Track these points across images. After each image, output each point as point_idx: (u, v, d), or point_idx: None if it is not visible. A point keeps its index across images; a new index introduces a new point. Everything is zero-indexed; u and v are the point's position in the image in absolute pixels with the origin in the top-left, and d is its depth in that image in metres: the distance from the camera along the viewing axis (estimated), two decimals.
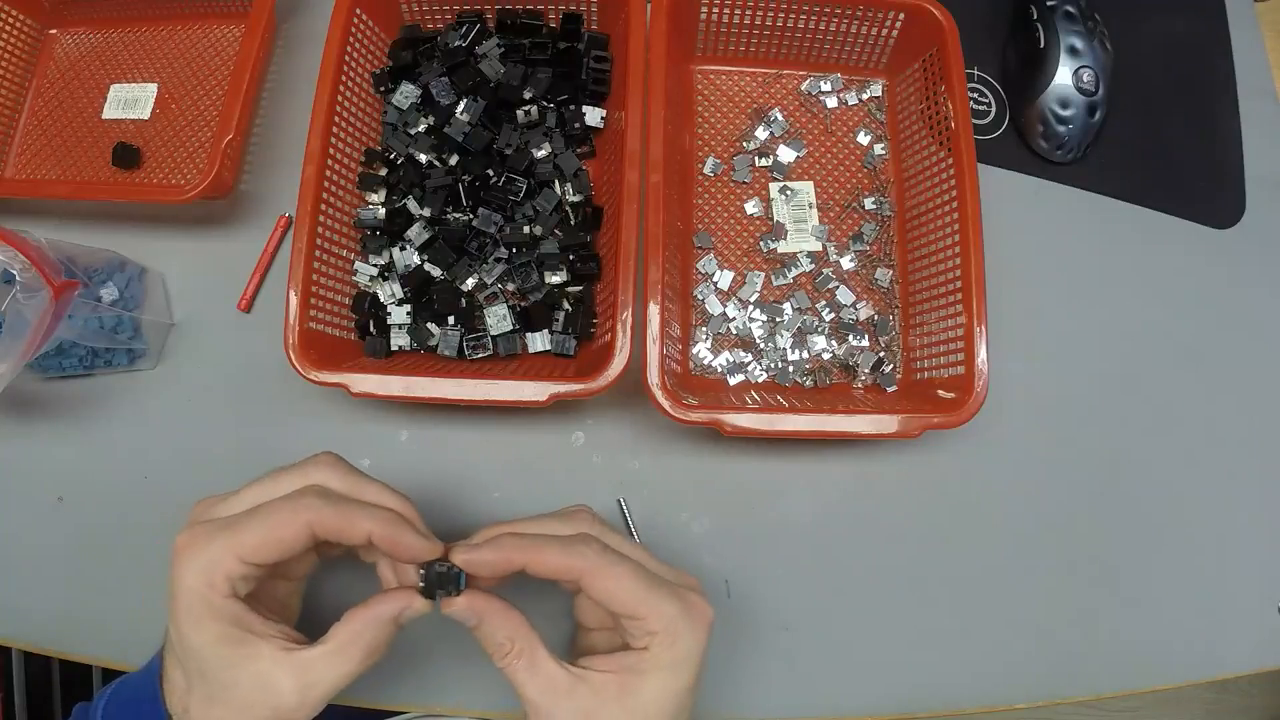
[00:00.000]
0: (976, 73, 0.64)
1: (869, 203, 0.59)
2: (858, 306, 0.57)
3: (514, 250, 0.55)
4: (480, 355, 0.54)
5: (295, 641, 0.38)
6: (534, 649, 0.38)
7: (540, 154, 0.56)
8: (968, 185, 0.52)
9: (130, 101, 0.62)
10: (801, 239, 0.58)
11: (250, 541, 0.36)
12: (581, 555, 0.38)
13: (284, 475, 0.39)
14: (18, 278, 0.46)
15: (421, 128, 0.57)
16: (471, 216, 0.55)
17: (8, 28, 0.62)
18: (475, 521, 0.54)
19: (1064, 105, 0.60)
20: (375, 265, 0.55)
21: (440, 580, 0.38)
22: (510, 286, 0.56)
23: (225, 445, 0.55)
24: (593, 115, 0.57)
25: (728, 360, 0.56)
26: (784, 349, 0.56)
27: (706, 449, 0.55)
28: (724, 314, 0.56)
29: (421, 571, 0.38)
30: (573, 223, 0.56)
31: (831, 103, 0.61)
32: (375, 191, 0.56)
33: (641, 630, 0.38)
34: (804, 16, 0.57)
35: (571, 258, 0.54)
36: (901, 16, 0.57)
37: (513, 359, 0.55)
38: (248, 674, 0.36)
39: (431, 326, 0.54)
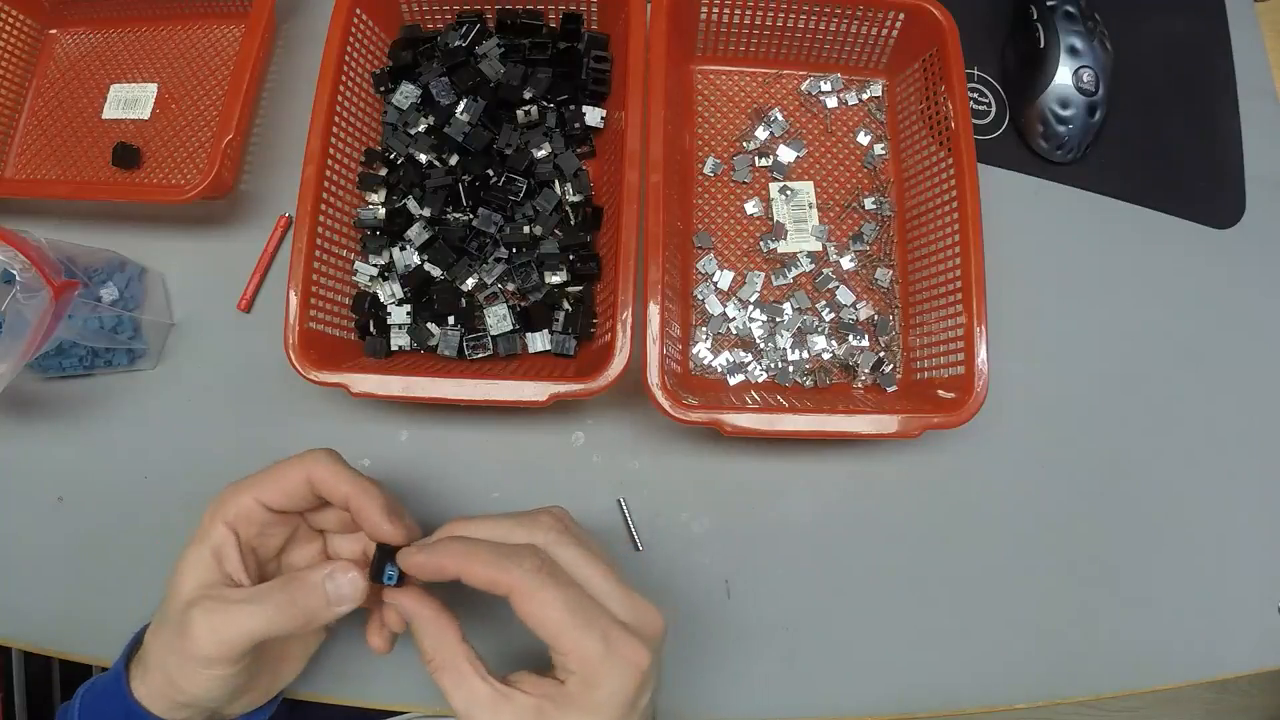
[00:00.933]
0: (976, 73, 0.64)
1: (869, 203, 0.59)
2: (858, 306, 0.57)
3: (514, 250, 0.55)
4: (480, 355, 0.54)
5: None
6: (458, 663, 0.38)
7: (540, 154, 0.56)
8: (968, 185, 0.52)
9: (130, 101, 0.62)
10: (801, 239, 0.58)
11: (266, 487, 0.40)
12: (508, 571, 0.37)
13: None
14: (18, 277, 0.46)
15: (421, 128, 0.57)
16: (471, 216, 0.55)
17: (8, 28, 0.62)
18: None
19: (1064, 105, 0.60)
20: (375, 265, 0.55)
21: (381, 564, 0.39)
22: (510, 286, 0.56)
23: (225, 445, 0.55)
24: (593, 115, 0.57)
25: (728, 360, 0.56)
26: (784, 349, 0.56)
27: (706, 449, 0.55)
28: (724, 314, 0.56)
29: (376, 553, 0.40)
30: (573, 223, 0.56)
31: (831, 103, 0.61)
32: (375, 191, 0.56)
33: (563, 664, 0.37)
34: (804, 16, 0.57)
35: (571, 258, 0.54)
36: (901, 16, 0.57)
37: (513, 359, 0.55)
38: (191, 615, 0.38)
39: (431, 326, 0.54)
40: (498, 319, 0.54)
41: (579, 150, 0.57)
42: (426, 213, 0.55)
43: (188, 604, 0.38)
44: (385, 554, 0.40)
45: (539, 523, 0.40)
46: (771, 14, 0.57)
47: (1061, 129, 0.60)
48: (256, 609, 0.38)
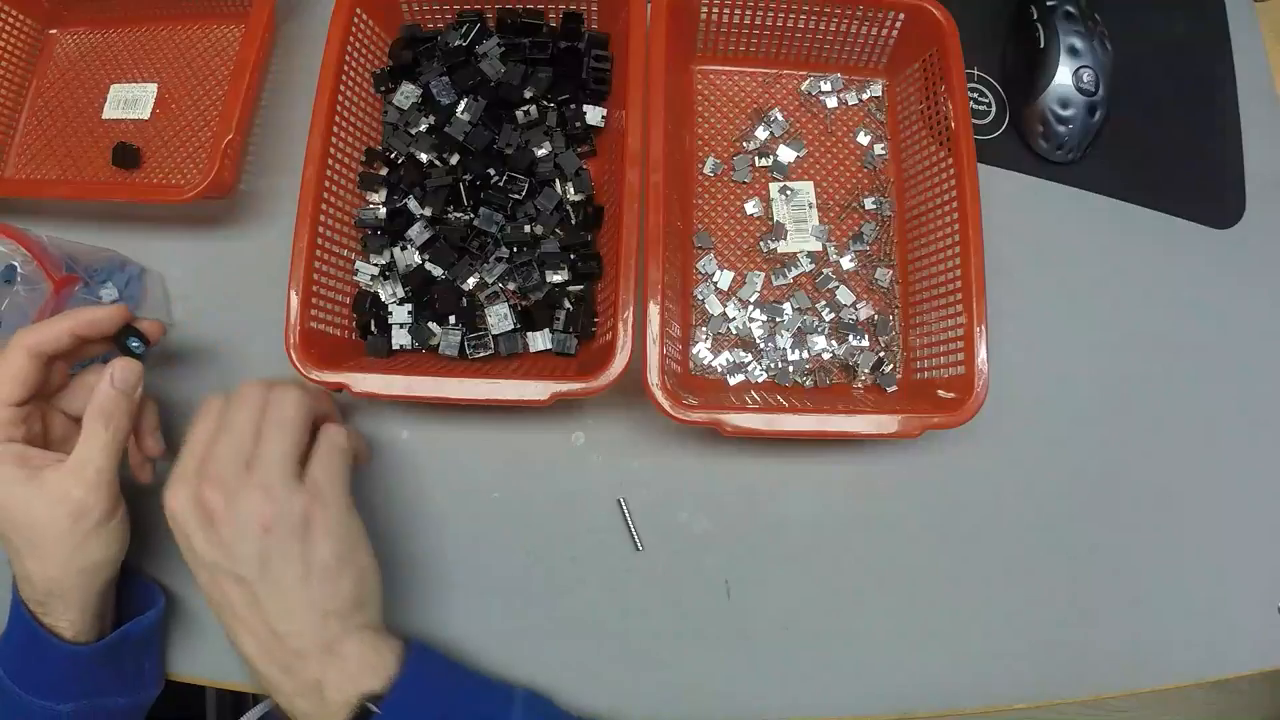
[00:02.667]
0: (976, 73, 0.65)
1: (869, 203, 0.59)
2: (858, 306, 0.57)
3: (515, 249, 0.55)
4: (481, 354, 0.54)
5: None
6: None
7: (541, 153, 0.56)
8: (968, 185, 0.52)
9: (130, 101, 0.62)
10: (801, 239, 0.58)
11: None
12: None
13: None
14: (19, 269, 0.46)
15: (422, 127, 0.57)
16: (472, 216, 0.55)
17: (8, 28, 0.62)
18: (475, 521, 0.54)
19: (1064, 105, 0.60)
20: (376, 265, 0.55)
21: (123, 340, 0.47)
22: (511, 286, 0.56)
23: None
24: (593, 114, 0.57)
25: (728, 360, 0.56)
26: (784, 349, 0.56)
27: (706, 449, 0.55)
28: (724, 314, 0.56)
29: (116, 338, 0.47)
30: (574, 222, 0.56)
31: (831, 103, 0.61)
32: (376, 191, 0.56)
33: None
34: (804, 16, 0.57)
35: (572, 257, 0.54)
36: (901, 16, 0.57)
37: (514, 358, 0.55)
38: (45, 498, 0.42)
39: (433, 326, 0.54)
40: (499, 318, 0.54)
41: (580, 149, 0.57)
42: (427, 212, 0.55)
43: (30, 517, 0.42)
44: (122, 333, 0.46)
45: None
46: (771, 14, 0.57)
47: (1061, 129, 0.60)
48: (95, 441, 0.43)
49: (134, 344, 0.47)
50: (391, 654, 0.42)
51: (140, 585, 0.50)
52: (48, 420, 0.47)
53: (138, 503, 0.47)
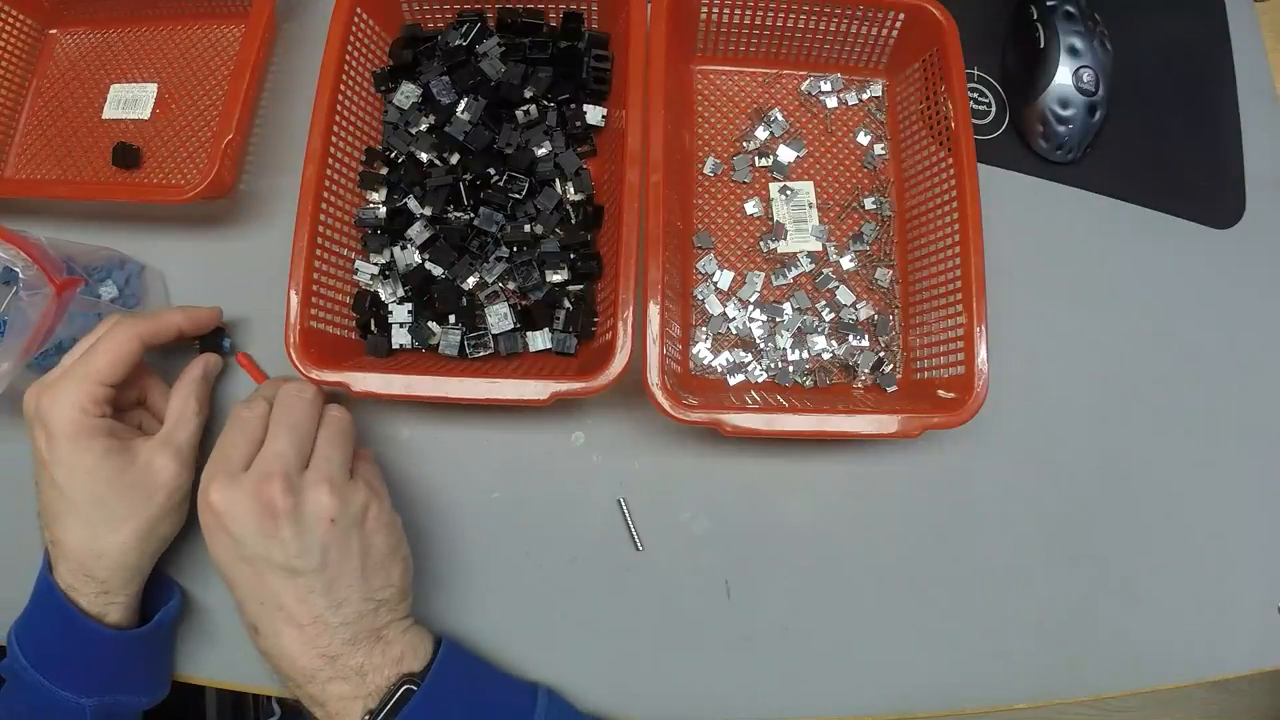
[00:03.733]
0: (976, 73, 0.65)
1: (869, 203, 0.59)
2: (858, 306, 0.57)
3: (515, 249, 0.55)
4: (481, 354, 0.54)
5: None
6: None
7: (541, 152, 0.56)
8: (968, 185, 0.52)
9: (130, 101, 0.62)
10: (801, 239, 0.58)
11: (102, 366, 0.45)
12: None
13: (86, 338, 0.47)
14: (20, 275, 0.46)
15: (422, 127, 0.57)
16: (472, 215, 0.55)
17: (8, 28, 0.62)
18: (475, 521, 0.54)
19: (1064, 105, 0.60)
20: (376, 264, 0.55)
21: (214, 342, 0.54)
22: (511, 285, 0.56)
23: None
24: (593, 114, 0.57)
25: (728, 360, 0.56)
26: (784, 349, 0.56)
27: (706, 449, 0.55)
28: (724, 314, 0.56)
29: (197, 343, 0.54)
30: (574, 221, 0.56)
31: (831, 103, 0.61)
32: (376, 190, 0.56)
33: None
34: (804, 16, 0.57)
35: (572, 256, 0.54)
36: (901, 16, 0.57)
37: (514, 358, 0.55)
38: (138, 469, 0.45)
39: (433, 325, 0.54)
40: (499, 318, 0.54)
41: (580, 149, 0.57)
42: (427, 211, 0.55)
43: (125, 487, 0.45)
44: (215, 333, 0.53)
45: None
46: (771, 14, 0.57)
47: (1061, 129, 0.60)
48: (187, 421, 0.48)
49: (225, 343, 0.54)
50: (428, 641, 0.45)
51: (156, 578, 0.50)
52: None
53: None
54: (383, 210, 0.56)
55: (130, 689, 0.47)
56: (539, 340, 0.54)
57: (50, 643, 0.45)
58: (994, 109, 0.64)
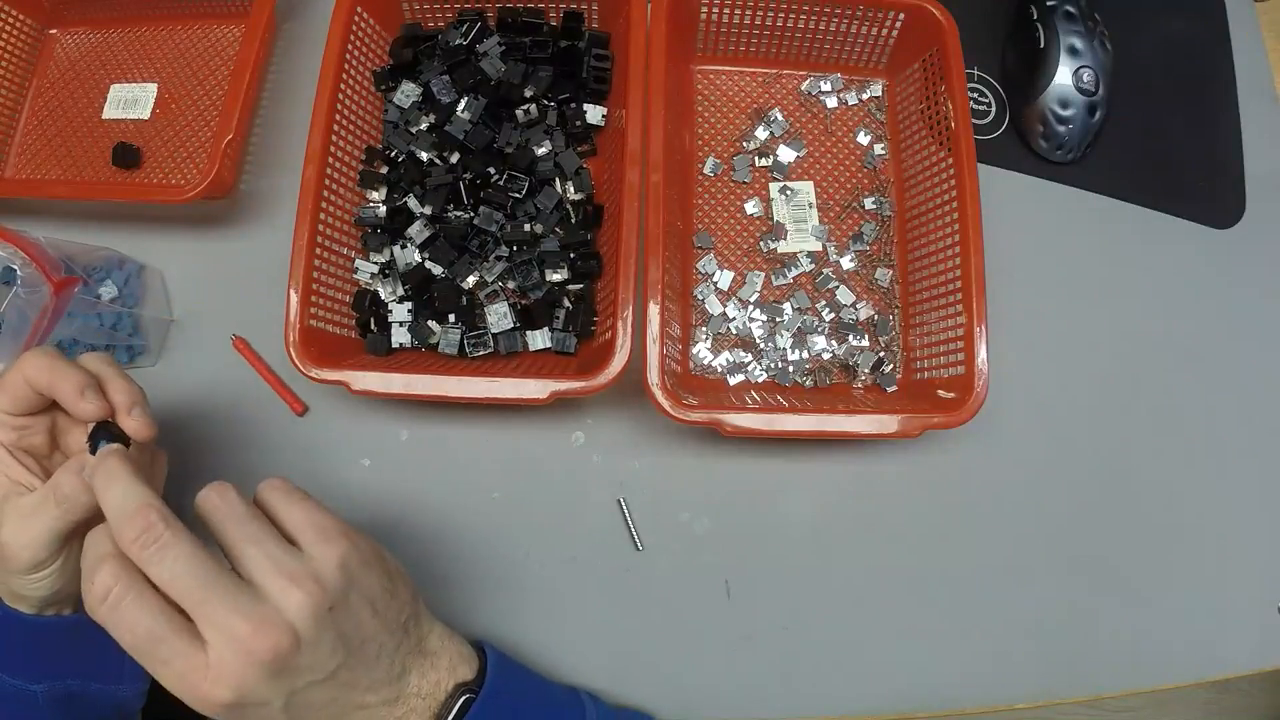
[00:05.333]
0: (976, 73, 0.65)
1: (869, 203, 0.59)
2: (858, 306, 0.57)
3: (515, 248, 0.55)
4: (481, 353, 0.54)
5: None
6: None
7: (541, 152, 0.56)
8: (968, 185, 0.52)
9: (130, 101, 0.62)
10: (801, 239, 0.58)
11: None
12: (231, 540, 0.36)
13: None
14: (18, 273, 0.46)
15: (423, 126, 0.57)
16: (472, 214, 0.55)
17: (8, 28, 0.62)
18: (475, 521, 0.54)
19: (1064, 105, 0.60)
20: (376, 263, 0.55)
21: (95, 439, 0.40)
22: (511, 284, 0.56)
23: (225, 442, 0.55)
24: (594, 113, 0.57)
25: (728, 360, 0.56)
26: (784, 349, 0.56)
27: (706, 449, 0.55)
28: (724, 314, 0.56)
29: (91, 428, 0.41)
30: (573, 220, 0.56)
31: (831, 103, 0.61)
32: (376, 189, 0.56)
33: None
34: (804, 16, 0.57)
35: (572, 255, 0.54)
36: (901, 16, 0.57)
37: (513, 357, 0.55)
38: (4, 511, 0.40)
39: (432, 324, 0.54)
40: (498, 317, 0.54)
41: (580, 148, 0.57)
42: (427, 210, 0.55)
43: None
44: (99, 429, 0.40)
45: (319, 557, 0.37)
46: (771, 14, 0.57)
47: (1061, 129, 0.60)
48: (45, 508, 0.40)
49: (100, 444, 0.40)
50: (466, 644, 0.44)
51: None
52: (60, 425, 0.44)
53: None
54: (383, 209, 0.56)
55: (91, 676, 0.45)
56: (539, 339, 0.54)
57: None
58: (994, 109, 0.64)
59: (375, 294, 0.55)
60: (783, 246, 0.58)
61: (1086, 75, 0.60)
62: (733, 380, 0.55)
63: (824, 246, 0.58)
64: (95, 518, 0.40)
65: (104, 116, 0.62)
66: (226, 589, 0.34)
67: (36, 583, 0.41)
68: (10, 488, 0.41)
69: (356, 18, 0.55)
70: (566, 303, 0.55)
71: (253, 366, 0.55)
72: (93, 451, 0.40)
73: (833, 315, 0.57)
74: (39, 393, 0.41)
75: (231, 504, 0.37)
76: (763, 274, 0.57)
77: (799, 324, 0.56)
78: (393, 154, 0.57)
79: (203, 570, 0.34)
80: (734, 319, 0.56)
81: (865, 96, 0.61)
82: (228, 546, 0.36)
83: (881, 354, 0.56)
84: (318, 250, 0.51)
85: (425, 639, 0.42)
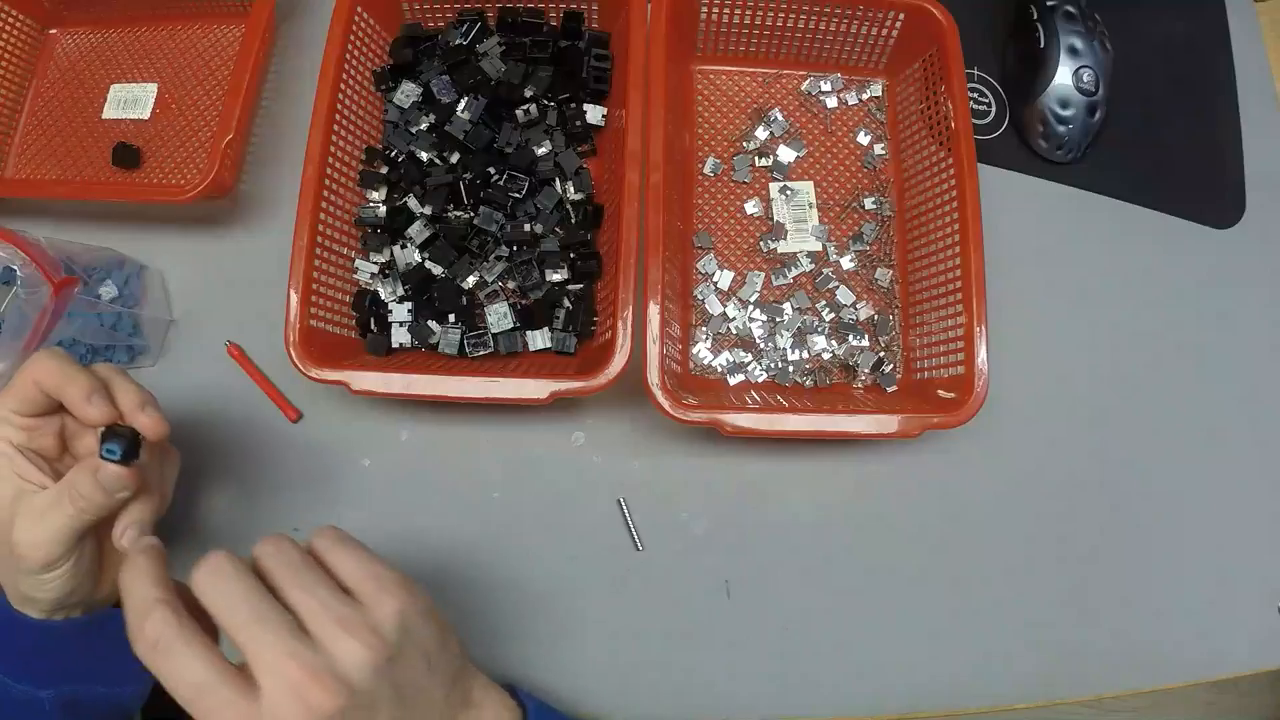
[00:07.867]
0: (976, 73, 0.65)
1: (869, 203, 0.59)
2: (858, 306, 0.57)
3: (515, 248, 0.55)
4: (481, 353, 0.54)
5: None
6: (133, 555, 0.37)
7: (541, 152, 0.56)
8: (968, 185, 0.52)
9: (130, 101, 0.62)
10: (801, 239, 0.58)
11: (6, 398, 0.41)
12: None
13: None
14: (18, 273, 0.46)
15: (423, 125, 0.57)
16: (472, 214, 0.55)
17: (8, 28, 0.62)
18: (475, 520, 0.54)
19: (1064, 105, 0.60)
20: (376, 263, 0.55)
21: (106, 437, 0.39)
22: (511, 284, 0.56)
23: (225, 441, 0.55)
24: (594, 113, 0.57)
25: (728, 360, 0.56)
26: (784, 349, 0.56)
27: (707, 449, 0.55)
28: (724, 314, 0.56)
29: (102, 431, 0.40)
30: (573, 220, 0.56)
31: (831, 103, 0.61)
32: (376, 189, 0.56)
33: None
34: (804, 16, 0.57)
35: (572, 255, 0.54)
36: (901, 16, 0.57)
37: (513, 357, 0.55)
38: (11, 534, 0.40)
39: (432, 324, 0.54)
40: (498, 317, 0.54)
41: (580, 148, 0.57)
42: (427, 210, 0.55)
43: (4, 523, 0.40)
44: (109, 433, 0.40)
45: (376, 610, 0.36)
46: (771, 14, 0.57)
47: (1061, 129, 0.60)
48: (60, 507, 0.40)
49: (108, 448, 0.39)
50: (506, 695, 0.42)
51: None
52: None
53: None
54: (383, 209, 0.56)
55: (98, 679, 0.44)
56: (538, 339, 0.54)
57: None
58: (994, 109, 0.64)
59: (375, 294, 0.55)
60: (783, 246, 0.58)
61: (1086, 75, 0.60)
62: (733, 380, 0.55)
63: (824, 246, 0.58)
64: (108, 518, 0.41)
65: (104, 116, 0.62)
66: (282, 631, 0.33)
67: (48, 584, 0.41)
68: (22, 487, 0.41)
69: (356, 18, 0.55)
70: (566, 303, 0.55)
71: (247, 373, 0.55)
72: (103, 455, 0.40)
73: (833, 315, 0.57)
74: (48, 395, 0.41)
75: (286, 553, 0.36)
76: (763, 274, 0.57)
77: (799, 324, 0.56)
78: (393, 154, 0.57)
79: (260, 607, 0.33)
80: (734, 319, 0.56)
81: (865, 96, 0.61)
82: (284, 595, 0.35)
83: (881, 354, 0.56)
84: (318, 250, 0.51)
85: (470, 691, 0.41)
